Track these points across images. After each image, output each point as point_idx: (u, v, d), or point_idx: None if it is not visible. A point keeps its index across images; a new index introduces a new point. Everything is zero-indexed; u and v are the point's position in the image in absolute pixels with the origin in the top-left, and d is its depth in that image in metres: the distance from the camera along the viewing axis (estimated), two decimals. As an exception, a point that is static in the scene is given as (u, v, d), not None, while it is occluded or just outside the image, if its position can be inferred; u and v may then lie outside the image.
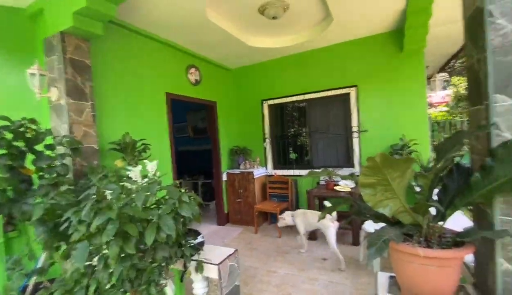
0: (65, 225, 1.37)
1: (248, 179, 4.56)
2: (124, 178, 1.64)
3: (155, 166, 1.73)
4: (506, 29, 0.98)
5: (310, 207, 3.79)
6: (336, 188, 3.80)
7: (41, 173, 2.08)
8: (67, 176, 2.11)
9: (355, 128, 4.23)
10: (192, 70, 4.21)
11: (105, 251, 1.36)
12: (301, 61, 4.57)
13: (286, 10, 3.12)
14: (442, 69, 6.29)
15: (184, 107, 6.27)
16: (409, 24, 3.27)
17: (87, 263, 1.35)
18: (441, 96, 5.09)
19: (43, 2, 2.51)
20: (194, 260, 1.68)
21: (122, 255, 1.30)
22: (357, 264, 3.01)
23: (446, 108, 7.77)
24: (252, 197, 4.51)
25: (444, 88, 5.30)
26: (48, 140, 2.20)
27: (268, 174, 4.96)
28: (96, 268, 1.35)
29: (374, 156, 0.90)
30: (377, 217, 1.27)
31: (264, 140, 5.03)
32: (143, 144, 2.88)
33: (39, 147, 2.11)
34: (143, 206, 1.33)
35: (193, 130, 6.96)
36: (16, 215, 1.81)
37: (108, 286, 1.42)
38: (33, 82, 2.28)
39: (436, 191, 1.27)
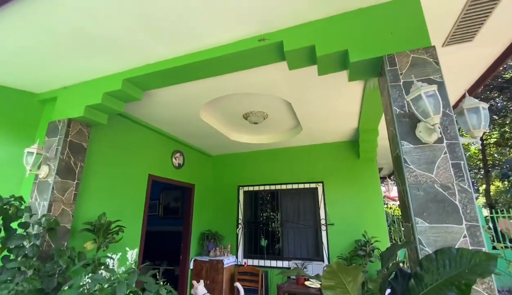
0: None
1: (217, 268, 4.39)
2: (103, 266, 1.68)
3: (135, 255, 1.80)
4: (416, 172, 1.44)
5: (279, 303, 3.66)
6: (307, 283, 3.80)
7: (7, 253, 2.00)
8: (34, 259, 2.03)
9: (323, 221, 4.54)
10: (177, 155, 4.56)
11: None
12: (275, 155, 5.18)
13: (265, 118, 3.80)
14: (390, 176, 7.31)
15: (159, 187, 6.33)
16: (362, 138, 4.08)
17: None
18: (396, 192, 5.78)
19: (59, 92, 2.89)
20: None
21: None
22: None
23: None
24: (220, 290, 4.25)
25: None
26: (24, 218, 2.20)
27: (238, 263, 4.82)
28: None
29: (332, 264, 1.16)
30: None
31: (237, 227, 5.09)
32: (117, 226, 2.88)
33: (13, 225, 2.10)
34: (122, 298, 1.38)
35: (164, 209, 6.83)
36: (-32, 302, 1.65)
37: None
38: (27, 160, 2.41)
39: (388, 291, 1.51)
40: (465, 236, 1.28)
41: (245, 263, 4.76)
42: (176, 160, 4.51)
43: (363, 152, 4.33)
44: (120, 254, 1.76)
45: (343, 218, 4.44)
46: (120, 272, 1.62)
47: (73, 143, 2.72)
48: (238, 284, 3.76)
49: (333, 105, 3.29)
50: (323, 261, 4.39)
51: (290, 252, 4.71)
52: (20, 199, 2.12)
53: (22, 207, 2.19)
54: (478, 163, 14.11)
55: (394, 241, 5.73)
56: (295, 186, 4.90)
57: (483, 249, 1.25)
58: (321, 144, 4.91)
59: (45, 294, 1.84)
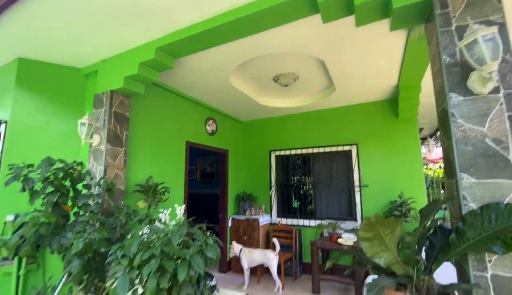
0: (109, 258, 1.59)
1: (253, 226, 4.70)
2: (156, 219, 1.91)
3: (182, 210, 2.00)
4: (464, 127, 1.35)
5: (313, 259, 3.88)
6: (339, 240, 3.92)
7: (77, 210, 2.35)
8: (98, 214, 2.37)
9: (356, 183, 4.52)
10: (210, 122, 4.70)
11: (137, 286, 1.57)
12: (306, 119, 5.09)
13: (296, 79, 3.68)
14: (438, 130, 6.81)
15: (195, 152, 6.69)
16: (402, 96, 3.80)
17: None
18: (437, 154, 5.45)
19: (99, 65, 3.07)
20: (210, 301, 1.83)
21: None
22: (360, 322, 3.01)
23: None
24: (256, 244, 4.59)
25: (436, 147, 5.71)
26: (86, 180, 2.52)
27: (273, 222, 5.10)
28: (129, 300, 1.54)
29: (370, 217, 1.19)
30: (375, 268, 1.49)
31: (270, 189, 5.29)
32: (163, 187, 3.17)
33: (79, 186, 2.43)
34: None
35: (201, 174, 7.28)
36: (54, 247, 2.02)
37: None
38: (81, 130, 2.69)
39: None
40: (517, 192, 1.21)
41: (279, 222, 5.03)
42: (209, 126, 4.67)
43: (402, 111, 4.06)
44: (170, 209, 1.98)
45: (378, 180, 4.36)
46: (172, 225, 1.83)
47: (117, 113, 2.94)
48: (275, 240, 4.03)
49: (370, 61, 3.06)
50: (356, 220, 4.46)
51: (322, 212, 4.83)
52: (81, 164, 2.41)
53: (83, 172, 2.50)
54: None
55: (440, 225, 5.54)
56: (327, 149, 4.85)
57: (537, 205, 1.18)
58: (355, 105, 4.68)
59: (111, 243, 2.16)
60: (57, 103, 3.06)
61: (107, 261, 1.61)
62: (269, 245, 4.77)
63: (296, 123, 5.20)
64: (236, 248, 4.04)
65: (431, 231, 1.54)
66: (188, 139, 4.12)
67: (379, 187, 4.32)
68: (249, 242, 4.67)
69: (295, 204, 5.15)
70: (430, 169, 5.57)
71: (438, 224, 1.52)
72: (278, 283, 3.88)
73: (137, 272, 1.53)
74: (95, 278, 2.14)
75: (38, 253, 2.70)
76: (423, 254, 1.48)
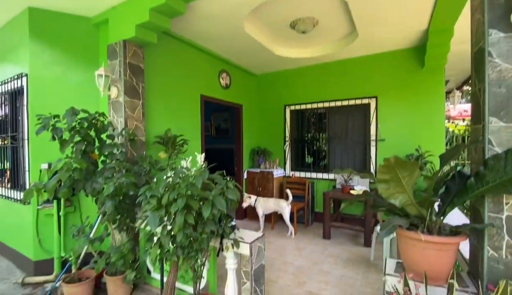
0: (139, 198, 1.74)
1: (268, 178, 4.88)
2: (179, 167, 2.00)
3: (203, 157, 2.08)
4: (501, 67, 1.25)
5: (325, 207, 4.06)
6: (352, 192, 4.04)
7: (104, 159, 2.50)
8: (124, 162, 2.51)
9: (372, 137, 4.46)
10: (224, 75, 4.60)
11: (165, 222, 1.73)
12: (323, 70, 4.86)
13: (315, 25, 3.43)
14: (464, 83, 6.37)
15: (209, 108, 6.70)
16: (431, 42, 3.49)
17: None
18: (459, 110, 5.19)
19: (109, 13, 2.96)
20: (231, 239, 2.00)
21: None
22: (368, 263, 3.25)
23: (464, 123, 7.77)
24: (270, 195, 4.82)
25: (467, 100, 5.39)
26: (109, 131, 2.63)
27: (286, 175, 5.26)
28: (159, 235, 1.71)
29: (389, 157, 1.19)
30: (389, 210, 1.55)
31: (285, 143, 5.34)
32: (182, 139, 3.27)
33: (103, 136, 2.54)
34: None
35: (216, 130, 7.38)
36: (88, 190, 2.22)
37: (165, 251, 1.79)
38: (99, 82, 2.72)
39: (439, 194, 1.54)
40: (548, 135, 1.16)
41: (292, 175, 5.18)
42: (223, 80, 4.58)
43: (429, 60, 3.77)
44: (191, 157, 2.06)
45: (396, 134, 4.27)
46: (193, 171, 1.93)
47: (132, 65, 2.91)
48: (288, 190, 4.21)
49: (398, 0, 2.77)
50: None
51: (336, 166, 4.90)
52: (103, 115, 2.49)
53: (106, 123, 2.59)
54: None
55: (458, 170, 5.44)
56: (344, 103, 4.70)
57: None
58: (378, 54, 4.37)
59: (138, 188, 2.33)
60: (71, 55, 3.06)
61: (137, 201, 1.76)
62: (282, 196, 5.00)
63: (312, 75, 4.99)
64: (249, 199, 4.19)
65: (449, 177, 1.55)
66: (202, 92, 4.10)
67: (396, 141, 4.26)
68: (264, 193, 4.91)
69: (309, 159, 5.23)
70: (453, 122, 5.35)
71: (458, 170, 1.51)
72: (291, 228, 4.15)
73: (165, 210, 1.67)
74: (126, 218, 2.36)
75: (73, 198, 2.98)
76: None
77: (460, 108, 5.15)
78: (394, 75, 4.26)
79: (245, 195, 4.26)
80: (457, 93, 4.32)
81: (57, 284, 2.47)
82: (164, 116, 3.46)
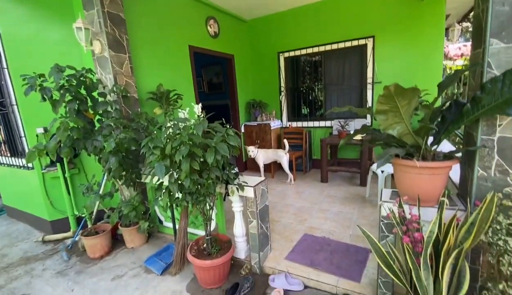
0: (142, 150, 1.76)
1: (265, 130, 4.92)
2: (176, 118, 1.99)
3: (200, 108, 2.06)
4: (508, -19, 1.18)
5: (322, 153, 4.18)
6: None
7: (100, 117, 2.47)
8: (121, 119, 2.49)
9: (369, 80, 4.39)
10: (211, 22, 4.29)
11: (171, 171, 1.79)
12: (317, 10, 4.54)
13: (308, -44, 3.10)
14: (464, 18, 6.06)
15: (199, 63, 6.41)
16: (433, -31, 3.22)
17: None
18: (458, 48, 5.03)
19: (76, -46, 2.62)
20: (235, 184, 2.10)
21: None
22: (363, 199, 3.48)
23: (462, 62, 7.60)
24: (269, 146, 4.91)
25: (465, 39, 5.19)
26: (99, 88, 2.54)
27: (284, 125, 5.29)
28: (168, 184, 1.79)
29: (389, 85, 1.20)
30: (386, 143, 1.61)
31: (280, 94, 5.26)
32: (176, 94, 3.19)
33: (94, 94, 2.47)
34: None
35: (208, 85, 7.16)
36: (90, 149, 2.23)
37: (175, 197, 1.88)
38: (79, 36, 2.53)
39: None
40: (548, 52, 1.16)
41: (289, 125, 5.21)
42: (211, 28, 4.29)
43: (430, -10, 3.52)
44: (188, 109, 2.04)
45: (393, 75, 4.20)
46: (192, 121, 1.93)
47: (111, 14, 2.69)
48: (285, 141, 4.28)
49: None
50: (365, 118, 4.56)
51: (333, 113, 4.91)
52: (90, 71, 2.38)
53: (95, 80, 2.49)
54: None
55: (447, 95, 5.44)
56: (341, 45, 4.51)
57: None
58: (375, -13, 4.06)
59: (138, 143, 2.35)
60: (45, 10, 2.80)
61: (141, 152, 1.78)
62: (281, 146, 5.11)
63: (305, 17, 4.68)
64: (254, 151, 4.31)
65: (445, 107, 1.57)
66: (190, 43, 3.88)
67: (394, 81, 4.18)
68: (262, 145, 4.99)
69: (305, 110, 5.22)
70: (451, 59, 5.22)
71: (455, 99, 1.53)
72: (290, 176, 4.34)
73: (169, 160, 1.71)
74: (132, 174, 2.43)
75: (76, 160, 3.01)
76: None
77: (458, 45, 4.97)
78: (392, 11, 4.02)
79: (248, 147, 4.33)
80: (457, 26, 4.13)
81: (77, 238, 2.65)
82: (153, 71, 3.31)
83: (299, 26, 4.77)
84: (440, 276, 1.23)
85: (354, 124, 4.50)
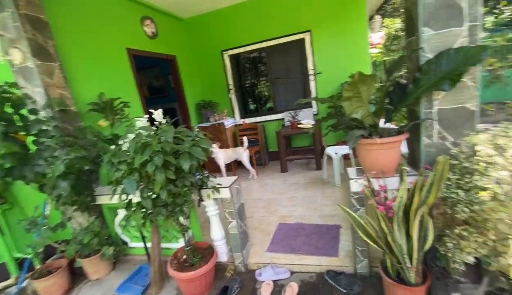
0: (105, 169, 1.57)
1: (220, 130, 4.86)
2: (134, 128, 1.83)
3: (161, 114, 1.93)
4: (430, -21, 1.41)
5: (280, 144, 4.35)
6: (300, 126, 4.38)
7: (34, 138, 2.10)
8: (64, 137, 2.16)
9: (311, 72, 4.72)
10: (147, 22, 4.01)
11: (142, 185, 1.65)
12: (254, 7, 4.64)
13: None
14: (377, 12, 6.97)
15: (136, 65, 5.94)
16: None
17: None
18: (379, 37, 5.79)
19: None
20: (210, 188, 2.04)
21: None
22: (322, 182, 3.76)
23: (380, 50, 8.77)
24: (226, 145, 4.87)
25: (379, 30, 5.99)
26: (29, 105, 2.16)
27: (237, 123, 5.31)
28: (140, 199, 1.64)
29: (354, 73, 1.32)
30: (348, 127, 1.77)
31: (229, 92, 5.25)
32: (121, 102, 2.91)
33: (23, 112, 2.09)
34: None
35: (148, 89, 6.70)
36: (30, 177, 1.88)
37: (149, 212, 1.74)
38: (-10, 44, 2.10)
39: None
40: (464, 36, 1.43)
41: (243, 122, 5.25)
42: (148, 28, 4.01)
43: (352, -14, 3.94)
44: (146, 115, 1.89)
45: (331, 65, 4.59)
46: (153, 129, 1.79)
47: (30, 17, 2.29)
48: (244, 138, 4.31)
49: None
50: (311, 107, 4.89)
51: (282, 106, 5.14)
52: (15, 85, 2.00)
53: (20, 95, 2.10)
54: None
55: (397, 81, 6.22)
56: (282, 40, 4.72)
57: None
58: (306, -16, 4.35)
59: (91, 162, 2.08)
60: None
61: (102, 170, 1.59)
62: (237, 144, 5.13)
63: (244, 15, 4.75)
64: (215, 149, 4.20)
65: (390, 89, 1.81)
66: (128, 45, 3.56)
67: (332, 71, 4.60)
68: (219, 145, 4.92)
69: (255, 105, 5.33)
70: (375, 47, 5.95)
71: (397, 81, 1.78)
72: (252, 171, 4.40)
73: (138, 174, 1.57)
74: (86, 196, 2.14)
75: (6, 193, 2.51)
76: (384, 108, 1.78)
77: (379, 34, 5.71)
78: (323, 6, 4.37)
79: (214, 146, 4.20)
80: (378, 18, 4.74)
81: (24, 284, 2.22)
82: (92, 79, 2.95)
83: (239, 23, 4.82)
84: (410, 233, 1.43)
85: (303, 114, 4.79)
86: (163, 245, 2.47)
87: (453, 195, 1.32)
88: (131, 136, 1.59)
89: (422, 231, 1.44)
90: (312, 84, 4.79)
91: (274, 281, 2.04)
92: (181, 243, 2.36)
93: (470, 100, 1.51)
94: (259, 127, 4.89)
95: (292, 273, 2.12)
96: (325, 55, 4.58)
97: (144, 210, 1.73)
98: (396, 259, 1.54)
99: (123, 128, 2.30)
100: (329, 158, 3.68)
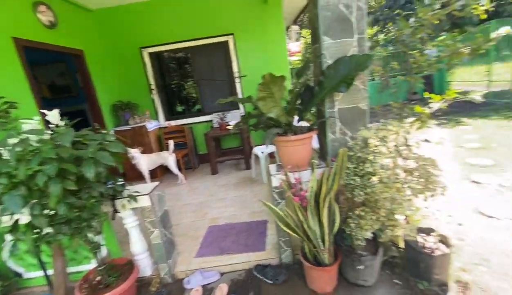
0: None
1: (142, 133, 4.47)
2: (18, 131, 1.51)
3: (57, 115, 1.64)
4: (326, -6, 1.62)
5: (209, 146, 4.29)
6: (228, 127, 4.42)
7: None
8: None
9: (236, 74, 4.82)
10: (42, 8, 3.37)
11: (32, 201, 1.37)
12: (175, 5, 4.47)
13: None
14: (295, 22, 7.65)
15: (32, 61, 4.94)
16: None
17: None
18: (296, 45, 6.34)
19: None
20: (126, 197, 1.84)
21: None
22: (252, 180, 3.88)
23: (299, 58, 9.68)
24: (150, 150, 4.51)
25: (297, 40, 6.60)
26: None
27: (162, 125, 4.99)
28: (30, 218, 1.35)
29: (265, 74, 1.40)
30: (267, 126, 1.87)
31: (151, 92, 4.89)
32: (6, 102, 2.36)
33: None
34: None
35: (50, 89, 5.67)
36: None
37: (44, 233, 1.46)
38: None
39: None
40: (355, 46, 1.69)
41: (168, 124, 4.97)
42: (43, 16, 3.38)
43: (269, -5, 4.21)
44: (38, 117, 1.57)
45: (254, 68, 4.78)
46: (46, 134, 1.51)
47: None
48: (170, 141, 4.08)
49: None
50: (238, 109, 4.99)
51: (209, 107, 5.09)
52: None
53: None
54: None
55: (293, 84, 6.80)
56: (206, 41, 4.66)
57: (364, 55, 1.71)
58: (227, -12, 4.43)
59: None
60: None
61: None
62: (163, 148, 4.82)
63: (161, 13, 4.52)
64: (135, 154, 3.79)
65: (302, 91, 1.99)
66: (15, 34, 2.93)
67: (256, 75, 4.78)
68: (142, 150, 4.52)
69: (180, 108, 5.11)
70: (294, 55, 6.49)
71: (306, 83, 1.97)
72: (180, 176, 4.20)
73: (25, 187, 1.29)
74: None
75: None
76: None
77: (297, 43, 6.26)
78: (244, 11, 4.53)
79: (129, 150, 3.79)
80: (294, 27, 5.18)
81: None
82: (-44, 73, 2.30)
83: (158, 21, 4.55)
84: (321, 219, 1.60)
85: (231, 116, 4.85)
86: (72, 268, 2.12)
87: (351, 182, 1.53)
88: (13, 141, 1.29)
89: (331, 216, 1.63)
90: (238, 86, 4.89)
91: (204, 286, 1.99)
92: (94, 264, 2.06)
93: (362, 101, 1.79)
94: (186, 129, 4.71)
95: (222, 274, 2.10)
96: (249, 59, 4.75)
97: (38, 230, 1.44)
98: (312, 244, 1.70)
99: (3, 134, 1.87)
100: (257, 157, 3.82)
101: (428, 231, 1.84)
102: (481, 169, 3.33)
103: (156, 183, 2.12)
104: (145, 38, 4.63)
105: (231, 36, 4.63)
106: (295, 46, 6.12)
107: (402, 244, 1.89)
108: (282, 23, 4.70)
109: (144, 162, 3.93)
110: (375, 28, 14.99)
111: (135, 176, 4.56)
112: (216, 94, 5.05)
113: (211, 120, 4.95)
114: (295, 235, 1.70)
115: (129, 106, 4.71)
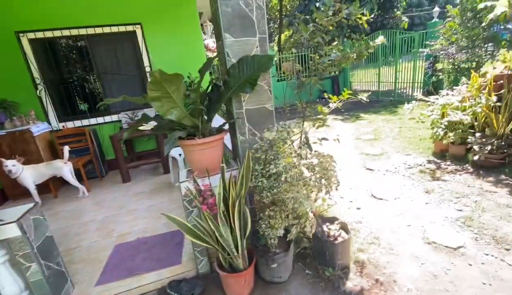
0: None
1: (25, 139, 3.58)
2: None
3: None
4: (225, -11, 1.53)
5: (117, 151, 3.76)
6: (141, 128, 3.94)
7: None
8: None
9: (148, 69, 4.36)
10: None
11: None
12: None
13: None
14: (211, 19, 7.47)
15: None
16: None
17: None
18: (214, 42, 6.19)
19: None
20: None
21: None
22: (170, 186, 3.59)
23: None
24: (38, 159, 3.66)
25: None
26: None
27: (54, 129, 4.11)
28: None
29: (154, 72, 1.22)
30: (171, 128, 1.69)
31: (37, 88, 3.96)
32: None
33: None
34: None
35: None
36: None
37: None
38: None
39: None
40: (257, 46, 1.67)
41: (63, 127, 4.14)
42: None
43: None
44: None
45: (168, 63, 4.37)
46: None
47: None
48: (65, 147, 3.39)
49: None
50: (151, 107, 4.54)
51: (117, 106, 4.46)
52: None
53: None
54: (276, 14, 16.69)
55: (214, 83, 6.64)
56: (108, 30, 4.04)
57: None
58: (131, -29, 3.92)
59: None
60: None
61: None
62: (58, 156, 3.99)
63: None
64: (12, 167, 3.02)
65: (209, 90, 1.88)
66: None
67: (170, 70, 4.36)
68: (27, 159, 3.62)
69: (83, 107, 4.32)
70: (212, 51, 6.30)
71: (213, 82, 1.87)
72: (81, 187, 3.56)
73: None
74: None
75: None
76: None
77: (213, 40, 6.10)
78: (154, 1, 4.11)
79: (5, 162, 2.98)
80: (209, 23, 5.01)
81: None
82: None
83: (41, -1, 3.69)
84: (233, 225, 1.54)
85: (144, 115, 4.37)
86: None
87: (259, 184, 1.51)
88: None
89: (242, 220, 1.58)
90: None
91: (104, 320, 1.69)
92: None
93: (268, 101, 1.79)
94: (87, 132, 4.01)
95: (129, 300, 1.83)
96: (161, 52, 4.36)
97: None
98: (226, 252, 1.63)
99: None
100: (175, 160, 3.55)
101: (332, 220, 2.01)
102: (373, 157, 3.92)
103: (31, 205, 1.68)
104: (24, 19, 3.69)
105: (138, 26, 4.14)
106: (213, 42, 5.96)
107: (311, 236, 2.01)
108: (197, 16, 4.47)
109: (28, 175, 3.16)
110: (290, 31, 16.19)
111: (18, 192, 3.65)
112: (124, 91, 4.46)
113: (120, 121, 4.36)
114: (206, 245, 1.59)
115: (3, 106, 3.71)
